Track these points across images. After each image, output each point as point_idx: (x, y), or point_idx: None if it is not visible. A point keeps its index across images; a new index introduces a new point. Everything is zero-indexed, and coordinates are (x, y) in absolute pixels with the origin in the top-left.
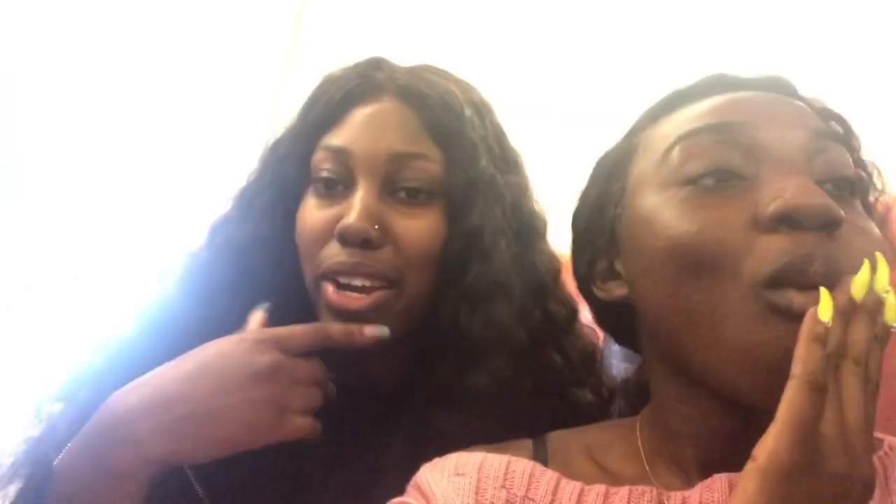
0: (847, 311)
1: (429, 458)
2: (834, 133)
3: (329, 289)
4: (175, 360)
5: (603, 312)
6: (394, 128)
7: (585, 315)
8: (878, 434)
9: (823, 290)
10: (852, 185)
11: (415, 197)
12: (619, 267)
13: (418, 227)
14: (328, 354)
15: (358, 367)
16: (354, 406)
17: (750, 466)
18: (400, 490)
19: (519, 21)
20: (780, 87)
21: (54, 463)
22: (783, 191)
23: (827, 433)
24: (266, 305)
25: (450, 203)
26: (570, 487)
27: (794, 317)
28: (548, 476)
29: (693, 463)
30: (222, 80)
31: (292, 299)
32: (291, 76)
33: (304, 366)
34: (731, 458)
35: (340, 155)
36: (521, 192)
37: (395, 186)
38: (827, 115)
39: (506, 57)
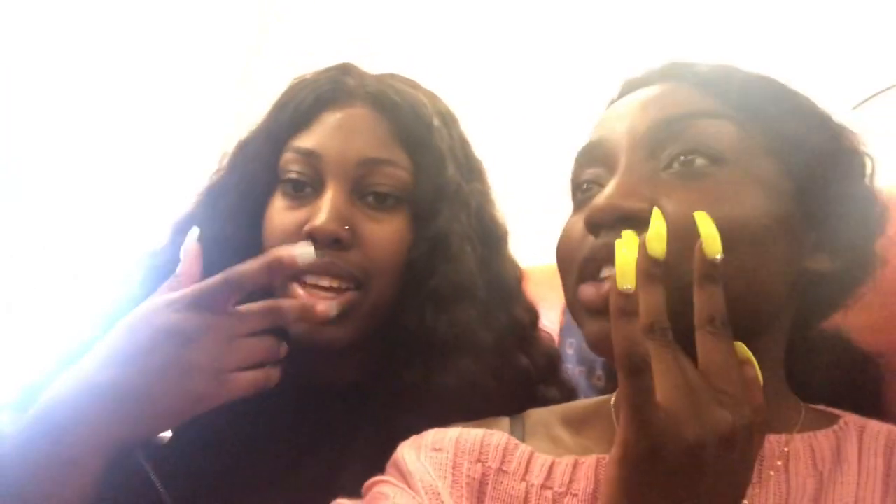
0: (647, 272)
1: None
2: (698, 111)
3: (297, 290)
4: (104, 343)
5: None
6: (365, 133)
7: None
8: (834, 410)
9: (618, 251)
10: (709, 154)
11: (383, 202)
12: None
13: (386, 232)
14: (290, 355)
15: (319, 365)
16: (315, 405)
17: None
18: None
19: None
20: (672, 74)
21: None
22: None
23: (666, 406)
24: (198, 234)
25: (417, 209)
26: (541, 460)
27: (593, 309)
28: (521, 449)
29: None
30: (189, 81)
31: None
32: (256, 76)
33: (238, 318)
34: None
35: (310, 157)
36: (484, 199)
37: (363, 191)
38: (717, 84)
39: (464, 74)
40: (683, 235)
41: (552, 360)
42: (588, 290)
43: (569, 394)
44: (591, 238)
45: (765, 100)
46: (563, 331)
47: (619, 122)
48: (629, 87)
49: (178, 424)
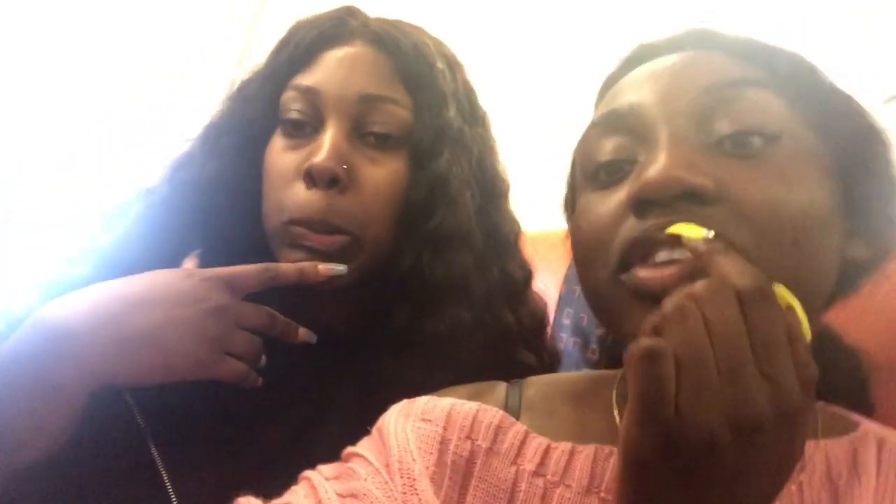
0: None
1: (378, 405)
2: (745, 79)
3: (301, 231)
4: (118, 282)
5: None
6: (365, 71)
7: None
8: (850, 414)
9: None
10: (765, 133)
11: (383, 142)
12: None
13: (383, 175)
14: (284, 299)
15: (313, 312)
16: (306, 351)
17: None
18: (345, 437)
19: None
20: (697, 41)
21: None
22: (644, 173)
23: (689, 387)
24: (196, 252)
25: (416, 149)
26: (536, 443)
27: (648, 294)
28: (515, 429)
29: None
30: (192, 24)
31: (250, 239)
32: (261, 17)
33: (249, 311)
34: None
35: (310, 95)
36: (487, 148)
37: (363, 129)
38: (754, 54)
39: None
40: (761, 220)
41: (538, 322)
42: (648, 273)
43: (549, 362)
44: (631, 220)
45: (803, 72)
46: (562, 300)
47: (649, 88)
48: (648, 53)
49: (168, 381)
